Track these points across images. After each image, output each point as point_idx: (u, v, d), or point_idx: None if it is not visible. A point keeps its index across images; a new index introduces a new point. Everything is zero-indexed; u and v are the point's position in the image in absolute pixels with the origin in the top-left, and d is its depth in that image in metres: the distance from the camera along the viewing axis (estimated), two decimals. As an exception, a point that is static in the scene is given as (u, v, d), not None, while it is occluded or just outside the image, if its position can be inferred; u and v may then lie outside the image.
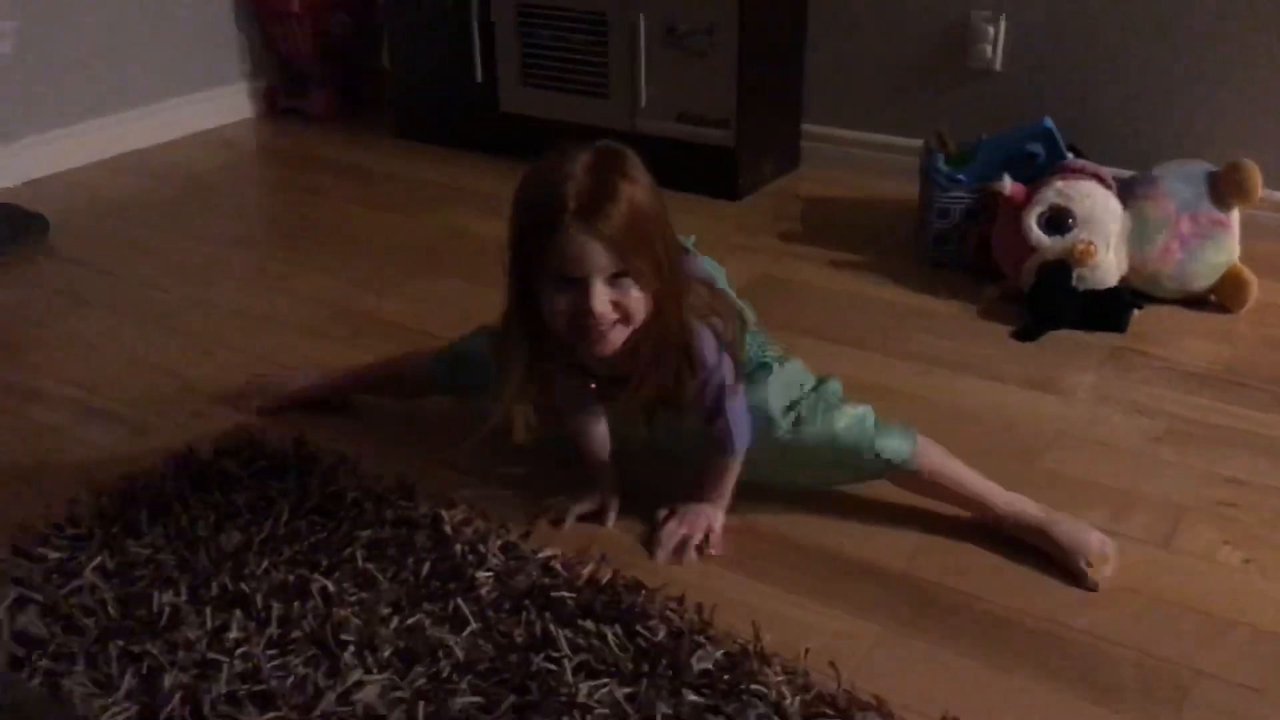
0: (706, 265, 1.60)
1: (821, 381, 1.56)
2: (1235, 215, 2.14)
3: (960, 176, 2.30)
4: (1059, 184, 2.14)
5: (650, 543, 1.53)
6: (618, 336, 1.34)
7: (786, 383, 1.53)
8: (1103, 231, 2.10)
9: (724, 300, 1.49)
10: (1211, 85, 2.45)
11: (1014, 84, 2.65)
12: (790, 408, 1.51)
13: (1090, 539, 1.47)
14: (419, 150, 3.11)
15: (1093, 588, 1.44)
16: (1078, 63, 2.57)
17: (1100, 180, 2.16)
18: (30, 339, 2.13)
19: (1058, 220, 2.12)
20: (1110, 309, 2.10)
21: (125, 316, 2.20)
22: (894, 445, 1.51)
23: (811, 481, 1.59)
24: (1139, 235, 2.15)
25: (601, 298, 1.30)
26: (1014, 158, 2.27)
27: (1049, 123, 2.29)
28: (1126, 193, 2.18)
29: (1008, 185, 2.18)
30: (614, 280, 1.30)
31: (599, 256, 1.28)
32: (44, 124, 2.91)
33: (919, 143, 2.55)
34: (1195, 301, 2.19)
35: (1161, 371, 1.96)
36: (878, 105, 2.84)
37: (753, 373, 1.53)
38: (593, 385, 1.49)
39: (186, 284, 2.33)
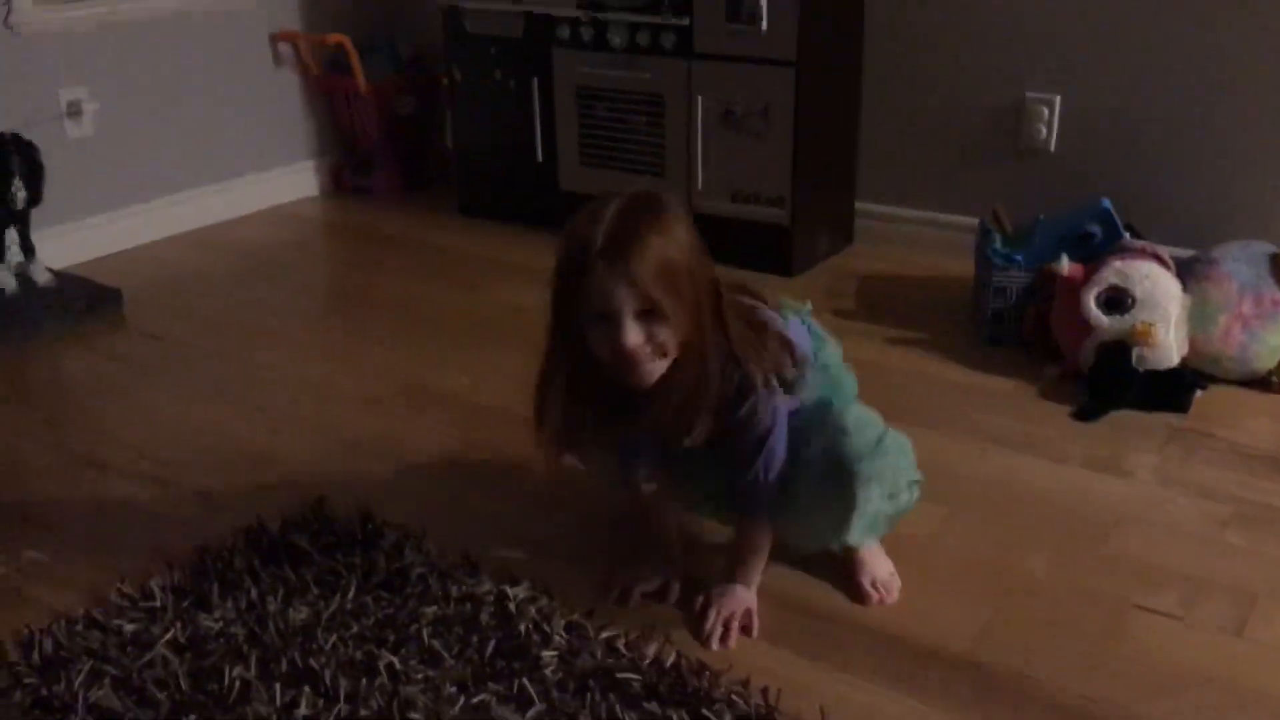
0: (808, 330, 1.62)
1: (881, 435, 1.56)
2: (1298, 297, 2.14)
3: (1017, 257, 2.31)
4: (1117, 264, 2.14)
5: (696, 630, 1.53)
6: (657, 368, 1.39)
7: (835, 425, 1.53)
8: (1162, 312, 2.10)
9: (774, 342, 1.48)
10: (1273, 164, 2.45)
11: (1068, 163, 2.66)
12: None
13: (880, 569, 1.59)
14: (481, 227, 3.17)
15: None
16: (1133, 142, 2.58)
17: (1159, 260, 2.16)
18: (103, 410, 2.19)
19: (1117, 300, 2.12)
20: (1172, 389, 2.09)
21: (195, 388, 2.26)
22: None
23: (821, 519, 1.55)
24: (1200, 316, 2.14)
25: (633, 332, 1.35)
26: (1071, 237, 2.28)
27: (1107, 204, 2.30)
28: (1186, 273, 2.18)
29: (1065, 265, 2.19)
30: (644, 315, 1.35)
31: (625, 294, 1.33)
32: (119, 200, 3.01)
33: (973, 220, 2.56)
34: (1257, 382, 2.17)
35: (1226, 453, 1.94)
36: (931, 183, 2.86)
37: (808, 409, 1.55)
38: (633, 426, 1.49)
39: (254, 356, 2.39)
